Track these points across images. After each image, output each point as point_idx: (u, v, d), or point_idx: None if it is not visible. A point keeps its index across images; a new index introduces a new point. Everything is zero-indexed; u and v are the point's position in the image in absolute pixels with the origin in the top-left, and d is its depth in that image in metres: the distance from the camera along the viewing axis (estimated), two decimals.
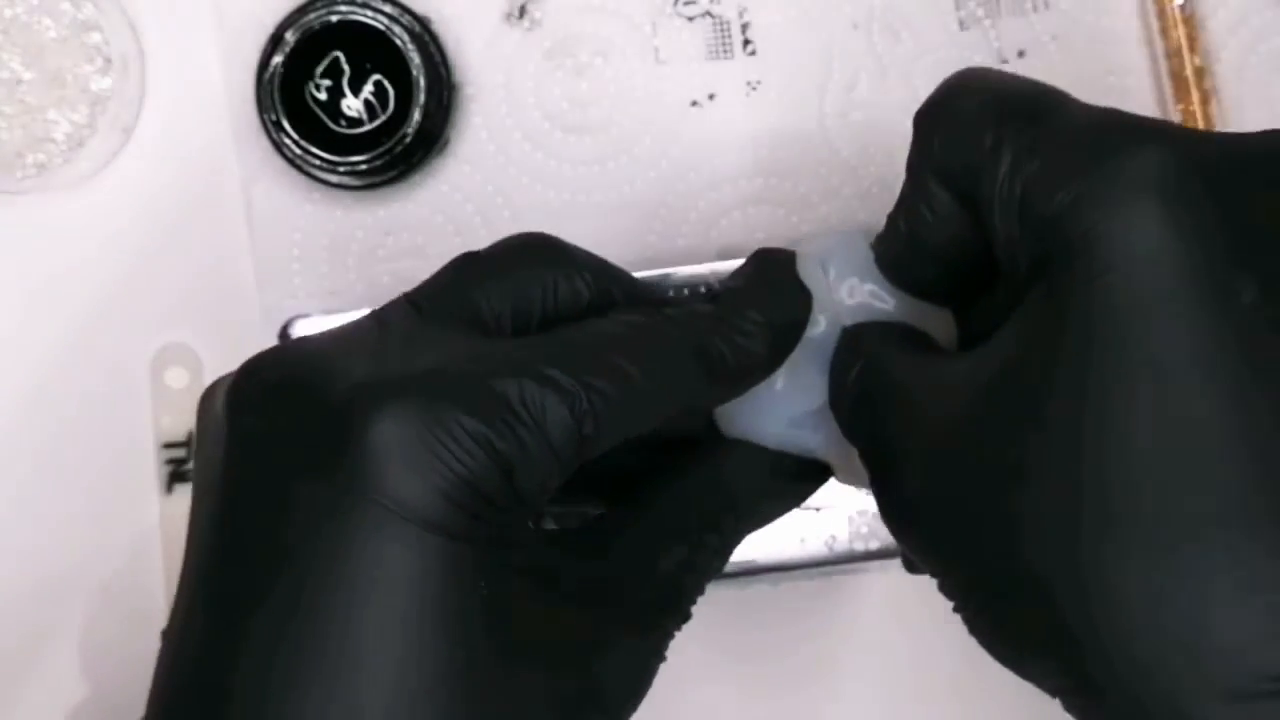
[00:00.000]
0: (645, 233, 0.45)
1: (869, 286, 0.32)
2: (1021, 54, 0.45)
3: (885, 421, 0.29)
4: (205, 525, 0.27)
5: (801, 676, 0.44)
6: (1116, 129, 0.26)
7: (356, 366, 0.26)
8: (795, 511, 0.41)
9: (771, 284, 0.31)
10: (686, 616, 0.30)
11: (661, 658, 0.29)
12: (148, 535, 0.44)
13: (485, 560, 0.25)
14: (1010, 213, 0.27)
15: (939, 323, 0.32)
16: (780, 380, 0.31)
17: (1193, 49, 0.44)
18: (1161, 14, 0.44)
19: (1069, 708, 0.26)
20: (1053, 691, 0.26)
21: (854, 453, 0.31)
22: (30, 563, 0.44)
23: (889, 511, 0.29)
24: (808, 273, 0.32)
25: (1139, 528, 0.24)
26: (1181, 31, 0.44)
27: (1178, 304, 0.24)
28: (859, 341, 0.31)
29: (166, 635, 0.28)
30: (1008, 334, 0.27)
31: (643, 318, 0.29)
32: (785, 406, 0.32)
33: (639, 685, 0.29)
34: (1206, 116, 0.44)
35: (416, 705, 0.25)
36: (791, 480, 0.32)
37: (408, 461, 0.25)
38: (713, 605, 0.44)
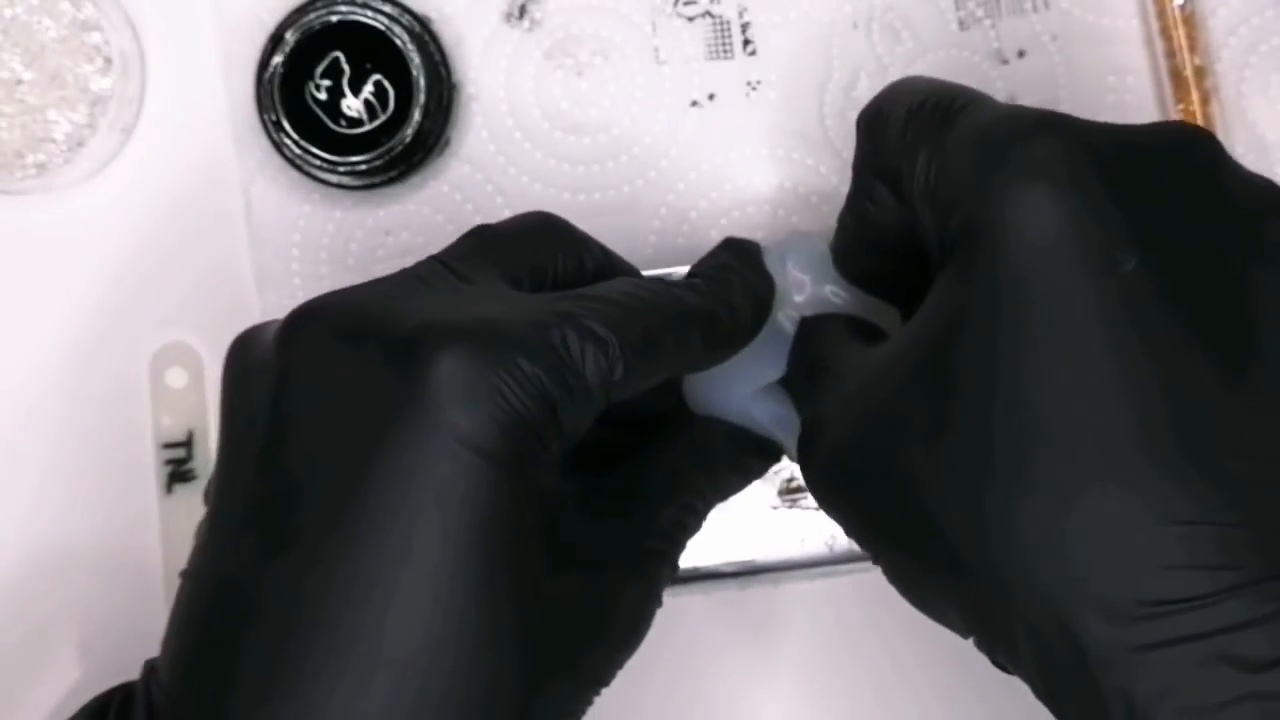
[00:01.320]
0: (645, 233, 0.45)
1: (826, 284, 0.36)
2: (1021, 54, 0.45)
3: (820, 394, 0.32)
4: (241, 459, 0.29)
5: (801, 676, 0.44)
6: (1015, 122, 0.28)
7: (414, 310, 0.29)
8: (795, 511, 0.41)
9: (750, 265, 0.35)
10: (676, 568, 0.34)
11: (659, 602, 0.32)
12: (148, 535, 0.44)
13: (528, 494, 0.28)
14: (926, 203, 0.30)
15: (887, 319, 0.35)
16: (737, 360, 0.34)
17: (1193, 49, 0.44)
18: (1161, 14, 0.44)
19: (979, 646, 0.28)
20: (963, 632, 0.28)
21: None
22: (29, 562, 0.44)
23: (809, 473, 0.32)
24: (770, 265, 0.35)
25: (1038, 473, 0.26)
26: (1181, 31, 0.44)
27: (1064, 272, 0.26)
28: (813, 328, 0.35)
29: (188, 575, 0.29)
30: (923, 310, 0.29)
31: (655, 283, 0.32)
32: (740, 383, 0.35)
33: (641, 625, 0.32)
34: (1206, 116, 0.44)
35: (450, 620, 0.27)
36: (751, 454, 0.36)
37: (471, 395, 0.27)
38: (713, 605, 0.44)
